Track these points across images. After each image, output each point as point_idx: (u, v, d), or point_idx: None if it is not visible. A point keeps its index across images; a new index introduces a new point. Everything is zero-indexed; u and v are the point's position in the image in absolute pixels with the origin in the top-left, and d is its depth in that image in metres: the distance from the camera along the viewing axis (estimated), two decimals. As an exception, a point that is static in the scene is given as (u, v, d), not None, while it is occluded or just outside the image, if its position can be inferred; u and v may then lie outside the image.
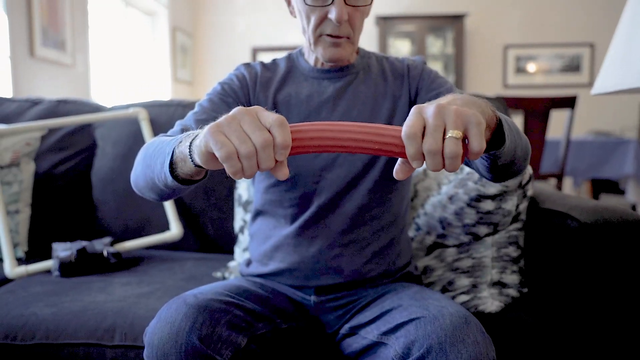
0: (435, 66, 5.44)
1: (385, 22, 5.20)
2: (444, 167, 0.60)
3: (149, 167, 0.81)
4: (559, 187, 3.13)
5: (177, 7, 5.35)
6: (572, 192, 5.29)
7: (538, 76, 5.49)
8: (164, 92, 5.14)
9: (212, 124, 0.61)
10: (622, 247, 1.00)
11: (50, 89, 3.32)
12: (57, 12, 3.35)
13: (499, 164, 0.78)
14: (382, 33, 5.22)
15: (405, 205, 1.13)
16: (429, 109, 0.60)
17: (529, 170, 1.20)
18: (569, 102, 2.94)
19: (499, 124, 0.73)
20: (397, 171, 0.64)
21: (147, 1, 4.84)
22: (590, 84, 5.41)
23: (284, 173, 0.62)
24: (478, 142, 0.59)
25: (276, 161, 0.60)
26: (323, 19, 0.97)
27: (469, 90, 5.47)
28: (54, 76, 3.35)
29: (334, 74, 1.07)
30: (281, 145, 0.59)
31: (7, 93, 2.97)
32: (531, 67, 5.49)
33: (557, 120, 4.86)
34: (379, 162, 1.04)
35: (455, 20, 5.19)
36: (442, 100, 0.64)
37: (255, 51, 5.71)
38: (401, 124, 0.93)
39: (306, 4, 0.97)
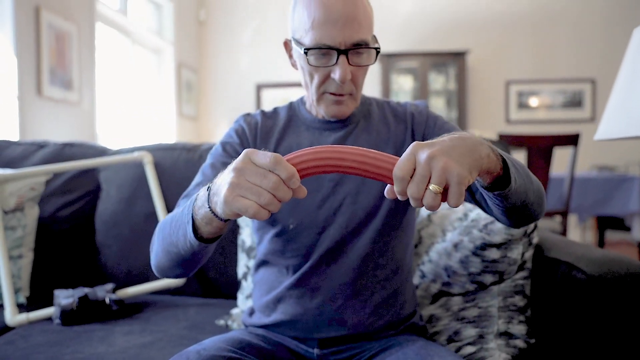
0: (438, 102, 5.49)
1: (388, 59, 5.27)
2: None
3: (171, 244, 0.85)
4: (564, 224, 3.11)
5: (183, 44, 5.45)
6: (577, 229, 5.26)
7: (540, 111, 5.53)
8: (169, 127, 5.19)
9: (224, 189, 0.67)
10: (629, 300, 0.98)
11: (56, 126, 3.35)
12: (65, 52, 3.41)
13: (509, 206, 0.81)
14: (384, 69, 5.29)
15: (409, 254, 1.12)
16: (422, 153, 0.65)
17: (534, 218, 1.20)
18: (572, 140, 2.95)
19: (506, 167, 0.76)
20: (387, 191, 0.70)
21: (153, 39, 4.94)
22: (592, 119, 5.44)
23: (303, 192, 0.68)
24: (454, 200, 0.64)
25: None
26: (326, 78, 0.98)
27: (472, 126, 5.50)
28: (60, 114, 3.39)
29: (335, 125, 1.07)
30: (288, 178, 0.65)
31: (14, 131, 3.00)
32: (533, 102, 5.53)
33: (561, 155, 4.87)
34: (381, 211, 1.03)
35: (457, 56, 5.25)
36: (441, 144, 0.67)
37: (259, 87, 5.78)
38: None
39: (309, 64, 0.97)
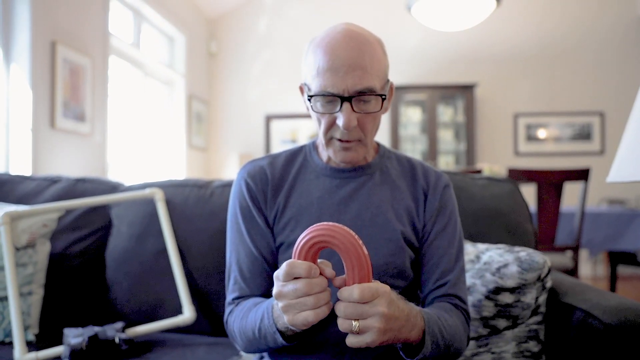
0: (446, 134, 5.51)
1: (397, 92, 5.32)
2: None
3: (261, 344, 0.95)
4: (575, 259, 3.07)
5: (194, 76, 5.53)
6: (588, 263, 5.20)
7: (549, 144, 5.53)
8: (179, 158, 5.23)
9: (285, 317, 0.78)
10: (648, 350, 0.96)
11: (68, 157, 3.39)
12: (79, 84, 3.47)
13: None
14: (393, 101, 5.33)
15: (415, 301, 1.10)
16: (382, 305, 0.75)
17: (547, 263, 1.19)
18: (582, 175, 2.94)
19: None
20: (337, 280, 0.78)
21: (165, 71, 5.01)
22: (601, 152, 5.43)
23: (330, 272, 0.78)
24: (350, 342, 0.76)
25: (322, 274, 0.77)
26: (332, 124, 0.97)
27: (481, 158, 5.51)
28: (72, 145, 3.43)
29: (347, 174, 1.06)
30: (308, 273, 0.75)
31: (27, 162, 3.04)
32: (542, 134, 5.54)
33: (570, 189, 4.85)
34: (388, 269, 1.01)
35: (466, 89, 5.29)
36: (397, 311, 0.78)
37: (268, 118, 5.83)
38: (410, 236, 1.04)
39: (314, 111, 0.98)
